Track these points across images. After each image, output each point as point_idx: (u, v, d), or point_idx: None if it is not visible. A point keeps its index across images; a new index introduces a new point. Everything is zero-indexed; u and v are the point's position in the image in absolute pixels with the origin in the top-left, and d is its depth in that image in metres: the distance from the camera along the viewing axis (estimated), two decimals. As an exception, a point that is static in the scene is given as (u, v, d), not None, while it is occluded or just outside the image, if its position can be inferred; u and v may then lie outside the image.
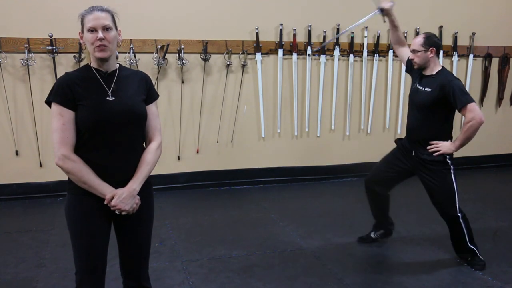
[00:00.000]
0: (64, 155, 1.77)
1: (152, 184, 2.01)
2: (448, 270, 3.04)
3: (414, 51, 2.95)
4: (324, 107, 5.08)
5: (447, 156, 2.93)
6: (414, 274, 2.98)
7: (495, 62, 5.65)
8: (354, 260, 3.22)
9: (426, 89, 2.94)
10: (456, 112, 2.94)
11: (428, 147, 2.95)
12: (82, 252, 1.87)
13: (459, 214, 2.97)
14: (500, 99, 5.76)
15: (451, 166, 2.95)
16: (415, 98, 3.02)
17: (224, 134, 4.85)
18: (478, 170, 5.70)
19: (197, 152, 4.81)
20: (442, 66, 3.03)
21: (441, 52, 5.03)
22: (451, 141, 2.99)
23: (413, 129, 3.05)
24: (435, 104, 2.90)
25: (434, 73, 2.96)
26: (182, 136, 4.72)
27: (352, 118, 5.22)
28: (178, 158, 4.76)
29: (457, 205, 2.96)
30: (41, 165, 4.39)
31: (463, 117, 2.86)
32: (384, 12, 3.10)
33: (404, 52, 3.26)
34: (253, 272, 3.00)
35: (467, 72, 5.51)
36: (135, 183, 1.85)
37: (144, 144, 1.97)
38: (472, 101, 2.81)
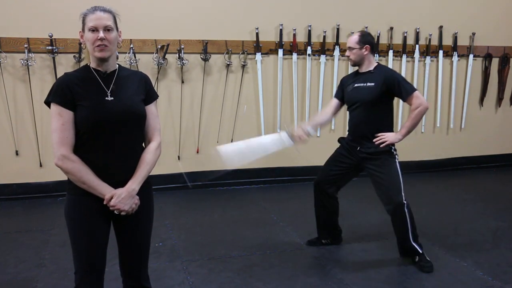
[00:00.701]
0: (64, 155, 1.77)
1: (151, 184, 2.01)
2: (448, 270, 3.03)
3: (349, 48, 3.06)
4: (324, 107, 5.07)
5: (392, 147, 3.03)
6: (414, 274, 2.97)
7: (495, 62, 5.65)
8: (354, 260, 3.22)
9: (369, 84, 3.01)
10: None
11: (374, 140, 3.02)
12: (81, 252, 1.87)
13: (405, 202, 2.96)
14: (500, 99, 5.76)
15: (396, 155, 3.04)
16: (357, 96, 3.07)
17: (224, 134, 4.85)
18: (478, 170, 5.70)
19: (197, 152, 4.81)
20: (377, 62, 3.14)
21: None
22: (393, 132, 3.07)
23: (357, 125, 3.11)
24: (379, 97, 2.98)
25: (372, 68, 3.06)
26: (182, 136, 4.72)
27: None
28: (178, 158, 4.76)
29: (402, 193, 2.96)
30: (41, 165, 4.39)
31: (410, 105, 2.97)
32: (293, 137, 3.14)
33: (333, 106, 3.25)
34: (253, 272, 3.00)
35: (467, 72, 5.52)
36: (134, 183, 1.85)
37: (143, 144, 1.97)
38: (416, 89, 2.97)
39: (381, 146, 2.99)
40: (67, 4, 4.13)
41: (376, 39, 5.07)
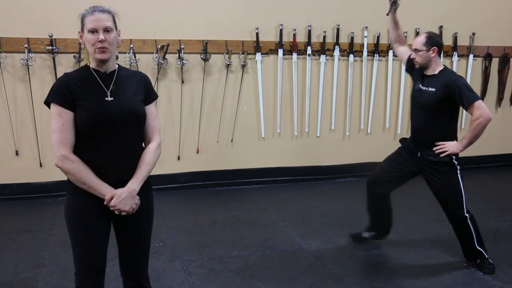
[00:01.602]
0: (63, 155, 1.77)
1: (151, 184, 2.01)
2: (448, 270, 3.03)
3: (416, 50, 2.93)
4: (324, 107, 5.08)
5: (454, 157, 2.89)
6: (414, 274, 2.97)
7: (495, 62, 5.65)
8: (354, 260, 3.22)
9: (430, 89, 2.90)
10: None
11: (434, 148, 2.90)
12: (81, 252, 1.87)
13: (467, 215, 2.92)
14: (500, 99, 5.76)
15: (458, 166, 2.91)
16: (418, 98, 2.98)
17: (224, 134, 4.85)
18: (478, 170, 5.69)
19: (197, 152, 4.81)
20: (444, 65, 3.00)
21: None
22: (456, 140, 2.96)
23: (417, 129, 3.01)
24: (440, 103, 2.86)
25: (436, 72, 2.93)
26: (182, 136, 4.72)
27: (352, 118, 5.22)
28: (178, 158, 4.76)
29: (464, 206, 2.92)
30: (41, 165, 4.39)
31: (471, 115, 2.82)
32: (395, 4, 3.08)
33: (404, 51, 3.24)
34: (253, 272, 3.00)
35: (467, 72, 5.52)
36: (135, 183, 1.84)
37: (143, 144, 1.97)
38: (479, 98, 2.79)
39: (441, 155, 2.87)
40: (67, 4, 4.13)
41: (376, 40, 5.07)
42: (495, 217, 4.05)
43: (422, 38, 2.91)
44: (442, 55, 2.93)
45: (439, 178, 2.93)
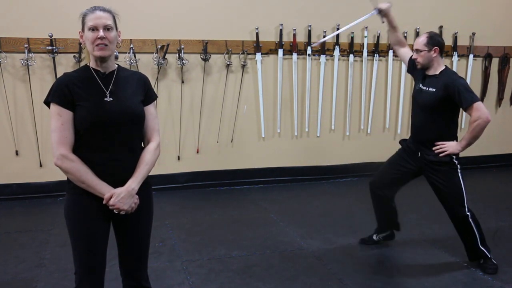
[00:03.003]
0: (63, 154, 1.78)
1: (151, 184, 2.01)
2: (448, 270, 3.03)
3: (417, 51, 2.92)
4: (324, 107, 5.08)
5: (454, 156, 2.90)
6: (414, 274, 2.98)
7: (495, 62, 5.65)
8: (354, 260, 3.22)
9: (430, 89, 2.90)
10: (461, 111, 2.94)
11: (434, 148, 2.91)
12: (81, 252, 1.87)
13: (468, 214, 2.93)
14: (500, 99, 5.76)
15: (458, 166, 2.92)
16: (419, 98, 2.99)
17: (224, 134, 4.85)
18: (478, 170, 5.69)
19: (197, 152, 4.81)
20: (445, 65, 3.00)
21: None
22: (457, 141, 2.96)
23: (418, 129, 3.02)
24: (439, 104, 2.87)
25: (437, 72, 2.93)
26: (182, 136, 4.72)
27: (352, 118, 5.22)
28: (178, 158, 4.76)
29: (465, 205, 2.92)
30: (41, 165, 4.39)
31: (470, 116, 2.83)
32: (381, 12, 3.08)
33: (405, 53, 3.24)
34: (253, 272, 3.00)
35: (467, 72, 5.52)
36: (134, 183, 1.85)
37: (142, 145, 1.98)
38: (478, 100, 2.79)
39: (441, 155, 2.88)
40: (67, 4, 4.13)
41: (376, 40, 5.07)
42: (495, 217, 4.05)
43: (423, 39, 2.90)
44: (443, 55, 2.92)
45: (440, 177, 2.93)
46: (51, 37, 4.15)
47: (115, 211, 1.81)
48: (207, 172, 4.88)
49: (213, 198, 4.60)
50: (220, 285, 2.83)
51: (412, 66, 3.12)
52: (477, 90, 5.68)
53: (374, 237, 3.41)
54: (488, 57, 5.57)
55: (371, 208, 3.90)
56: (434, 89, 2.88)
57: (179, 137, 4.71)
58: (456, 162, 2.92)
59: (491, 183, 5.25)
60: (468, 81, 5.54)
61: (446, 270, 3.03)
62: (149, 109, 1.96)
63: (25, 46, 4.11)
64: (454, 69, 5.42)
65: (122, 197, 1.80)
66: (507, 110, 5.86)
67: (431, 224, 3.80)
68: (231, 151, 4.91)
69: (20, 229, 3.72)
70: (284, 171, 5.10)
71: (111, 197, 1.80)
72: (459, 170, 2.93)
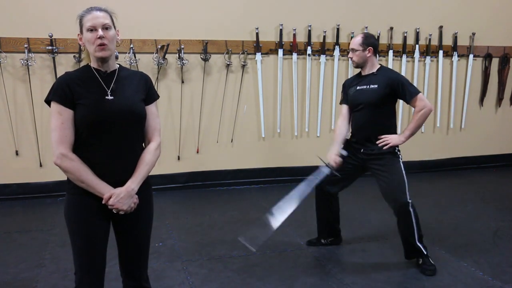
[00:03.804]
0: (63, 153, 1.77)
1: (151, 184, 2.01)
2: (448, 270, 3.03)
3: (352, 50, 3.06)
4: (324, 107, 5.08)
5: (396, 148, 3.03)
6: (414, 274, 2.97)
7: (495, 62, 5.65)
8: (354, 260, 3.22)
9: (372, 86, 3.01)
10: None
11: (377, 142, 3.01)
12: (81, 252, 1.87)
13: (410, 201, 2.96)
14: (500, 99, 5.77)
15: (400, 155, 3.04)
16: (360, 98, 3.06)
17: (224, 134, 4.85)
18: (478, 170, 5.70)
19: (197, 152, 4.81)
20: (380, 64, 3.13)
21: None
22: (396, 133, 3.07)
23: (360, 127, 3.10)
24: (383, 99, 2.99)
25: (375, 70, 3.06)
26: (182, 136, 4.72)
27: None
28: (178, 158, 4.76)
29: (407, 193, 2.96)
30: (41, 165, 4.39)
31: (414, 107, 2.97)
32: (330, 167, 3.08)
33: (344, 115, 3.18)
34: (253, 272, 3.00)
35: (467, 72, 5.52)
36: (134, 183, 1.84)
37: (143, 145, 1.97)
38: (420, 91, 2.98)
39: (384, 148, 2.99)
40: (67, 4, 4.13)
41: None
42: (495, 217, 4.05)
43: (358, 39, 3.04)
44: (378, 55, 3.00)
45: (383, 165, 3.01)
46: (51, 37, 4.16)
47: (114, 211, 1.81)
48: (207, 172, 4.88)
49: (213, 198, 4.60)
50: (220, 285, 2.83)
51: (344, 94, 3.20)
52: (477, 90, 5.69)
53: (322, 241, 3.43)
54: (488, 57, 5.57)
55: (371, 208, 3.91)
56: (376, 86, 3.00)
57: (179, 137, 4.71)
58: (398, 152, 3.04)
59: (491, 183, 5.25)
60: (468, 81, 5.55)
61: (446, 270, 3.03)
62: (151, 109, 1.95)
63: (25, 46, 4.11)
64: (454, 69, 5.43)
65: (121, 197, 1.80)
66: (507, 110, 5.86)
67: (431, 224, 3.79)
68: (231, 151, 4.92)
69: (20, 229, 3.72)
70: (284, 171, 5.10)
71: (110, 197, 1.80)
72: (400, 160, 3.03)
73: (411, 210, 2.96)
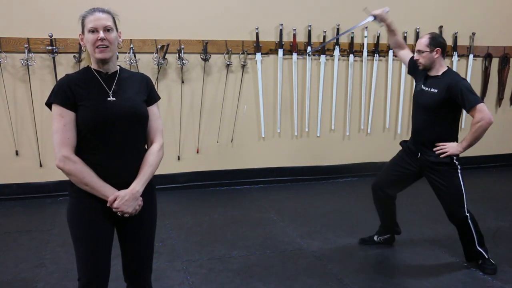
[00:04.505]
0: (65, 156, 1.75)
1: (154, 186, 2.00)
2: (448, 270, 3.04)
3: (419, 52, 2.92)
4: (324, 107, 5.08)
5: (454, 157, 2.91)
6: (414, 274, 2.98)
7: (495, 62, 5.65)
8: (354, 260, 3.22)
9: (432, 90, 2.90)
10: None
11: (434, 149, 2.92)
12: (86, 257, 1.84)
13: (467, 215, 2.94)
14: (500, 99, 5.77)
15: (458, 166, 2.93)
16: (420, 99, 2.99)
17: (224, 134, 4.85)
18: (478, 170, 5.70)
19: (197, 152, 4.81)
20: (447, 66, 3.00)
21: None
22: (457, 142, 2.96)
23: (418, 130, 3.02)
24: (442, 105, 2.87)
25: (440, 73, 2.93)
26: (182, 136, 4.72)
27: (352, 118, 5.22)
28: (178, 158, 4.76)
29: (465, 206, 2.93)
30: (41, 165, 4.39)
31: (472, 117, 2.82)
32: (377, 18, 3.09)
33: (405, 55, 3.24)
34: (253, 272, 3.00)
35: (467, 72, 5.52)
36: (138, 185, 1.83)
37: (146, 146, 1.96)
38: (481, 101, 2.79)
39: (441, 156, 2.89)
40: (67, 4, 4.13)
41: (376, 40, 5.07)
42: (495, 217, 4.05)
43: (425, 39, 2.90)
44: (445, 56, 2.93)
45: (440, 177, 2.94)
46: (51, 37, 4.15)
47: (118, 213, 1.80)
48: (207, 172, 4.88)
49: (213, 198, 4.60)
50: (220, 285, 2.83)
51: (412, 67, 3.11)
52: (477, 90, 5.65)
53: (375, 238, 3.42)
54: (488, 57, 5.57)
55: (371, 208, 3.90)
56: (436, 90, 2.88)
57: (179, 137, 4.71)
58: (457, 163, 2.93)
59: (491, 183, 5.25)
60: (468, 81, 5.54)
61: (446, 270, 3.03)
62: (152, 110, 1.94)
63: (25, 46, 4.11)
64: (454, 69, 5.41)
65: (126, 199, 1.78)
66: (507, 110, 5.86)
67: (431, 224, 3.80)
68: (231, 151, 4.91)
69: (20, 229, 3.72)
70: (284, 171, 5.10)
71: (114, 200, 1.78)
72: (459, 171, 2.93)
73: (470, 222, 2.95)
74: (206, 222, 3.93)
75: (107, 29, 1.78)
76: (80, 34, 1.85)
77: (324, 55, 4.95)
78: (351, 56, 5.02)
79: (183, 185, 4.81)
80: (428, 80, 2.97)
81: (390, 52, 5.15)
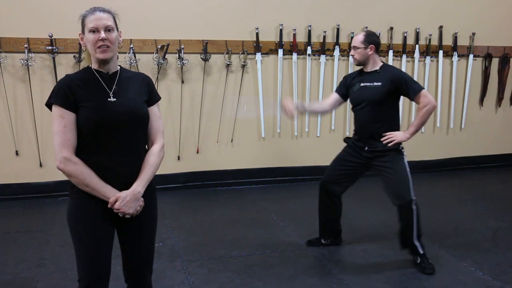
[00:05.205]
0: (66, 157, 1.74)
1: (155, 187, 1.99)
2: (448, 270, 3.03)
3: (354, 48, 3.06)
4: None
5: (400, 145, 3.04)
6: (414, 274, 2.97)
7: (495, 62, 5.65)
8: (354, 260, 3.22)
9: (375, 83, 3.01)
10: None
11: (382, 139, 3.02)
12: (87, 258, 1.83)
13: (413, 198, 2.97)
14: (500, 99, 5.76)
15: (404, 152, 3.05)
16: (363, 95, 3.06)
17: (224, 134, 4.85)
18: (478, 170, 5.70)
19: (197, 152, 4.81)
20: (382, 61, 3.12)
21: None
22: (399, 130, 3.09)
23: (364, 125, 3.10)
24: (387, 96, 2.99)
25: (378, 68, 3.06)
26: (182, 136, 4.72)
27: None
28: (178, 158, 4.76)
29: (411, 190, 2.97)
30: (41, 165, 4.39)
31: (418, 104, 2.97)
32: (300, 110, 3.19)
33: (331, 100, 3.28)
34: (253, 272, 3.00)
35: (467, 72, 5.52)
36: (139, 186, 1.82)
37: (146, 146, 1.96)
38: (423, 88, 2.98)
39: (389, 145, 2.99)
40: (67, 4, 4.13)
41: (376, 39, 5.07)
42: (495, 217, 4.05)
43: (360, 36, 3.04)
44: (379, 53, 3.03)
45: (387, 162, 3.02)
46: (51, 37, 4.16)
47: (120, 214, 1.79)
48: (207, 172, 4.88)
49: (213, 198, 4.60)
50: (220, 285, 2.83)
51: (342, 86, 3.23)
52: (477, 90, 5.68)
53: (322, 241, 3.43)
54: (488, 57, 5.57)
55: (371, 208, 3.91)
56: (380, 83, 3.00)
57: (179, 137, 4.71)
58: (402, 149, 3.05)
59: (491, 183, 5.25)
60: (468, 81, 5.55)
61: (446, 270, 3.03)
62: (153, 110, 1.93)
63: (25, 46, 4.11)
64: (454, 69, 5.43)
65: (127, 200, 1.77)
66: (507, 110, 5.86)
67: (431, 224, 3.79)
68: (231, 151, 4.92)
69: (20, 229, 3.72)
70: (284, 171, 5.11)
71: (116, 201, 1.77)
72: (404, 157, 3.04)
73: (413, 208, 2.97)
74: (206, 222, 3.93)
75: (108, 29, 1.77)
76: (80, 34, 1.83)
77: (324, 55, 4.95)
78: (351, 56, 5.01)
79: (183, 185, 4.82)
80: (365, 76, 3.08)
81: (390, 52, 5.15)
